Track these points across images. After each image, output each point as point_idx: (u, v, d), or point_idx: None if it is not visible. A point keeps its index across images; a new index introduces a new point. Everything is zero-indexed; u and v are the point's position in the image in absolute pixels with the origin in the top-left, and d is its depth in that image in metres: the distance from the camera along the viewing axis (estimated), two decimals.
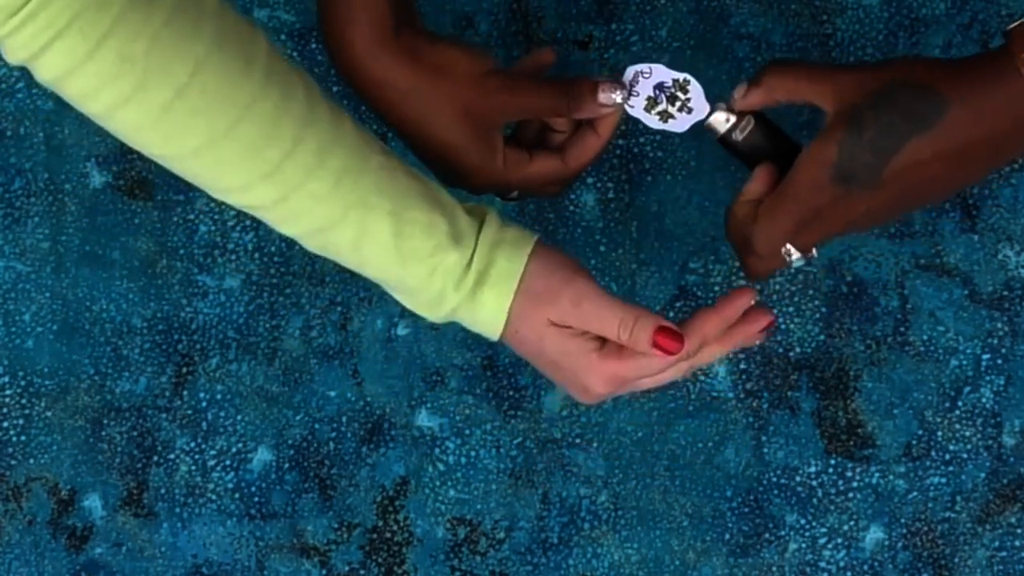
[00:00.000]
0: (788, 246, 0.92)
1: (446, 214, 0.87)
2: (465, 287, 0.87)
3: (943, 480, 1.09)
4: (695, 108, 0.95)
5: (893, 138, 0.87)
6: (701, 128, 0.99)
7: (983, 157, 0.88)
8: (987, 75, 0.86)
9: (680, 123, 0.95)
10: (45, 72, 0.79)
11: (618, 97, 0.93)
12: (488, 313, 0.88)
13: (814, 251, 0.93)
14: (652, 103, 0.94)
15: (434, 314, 0.89)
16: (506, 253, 0.88)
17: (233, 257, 1.11)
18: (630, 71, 0.94)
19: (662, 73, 0.94)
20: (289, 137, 0.83)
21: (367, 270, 0.88)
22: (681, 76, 0.94)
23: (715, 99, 0.95)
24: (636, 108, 0.94)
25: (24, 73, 1.12)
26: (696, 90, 0.94)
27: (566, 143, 0.96)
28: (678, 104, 0.95)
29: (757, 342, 0.93)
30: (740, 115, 0.95)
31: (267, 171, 0.83)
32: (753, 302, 0.90)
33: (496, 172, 0.94)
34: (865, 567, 1.09)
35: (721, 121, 0.95)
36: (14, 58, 0.79)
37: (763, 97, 0.93)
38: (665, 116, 0.95)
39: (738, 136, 0.95)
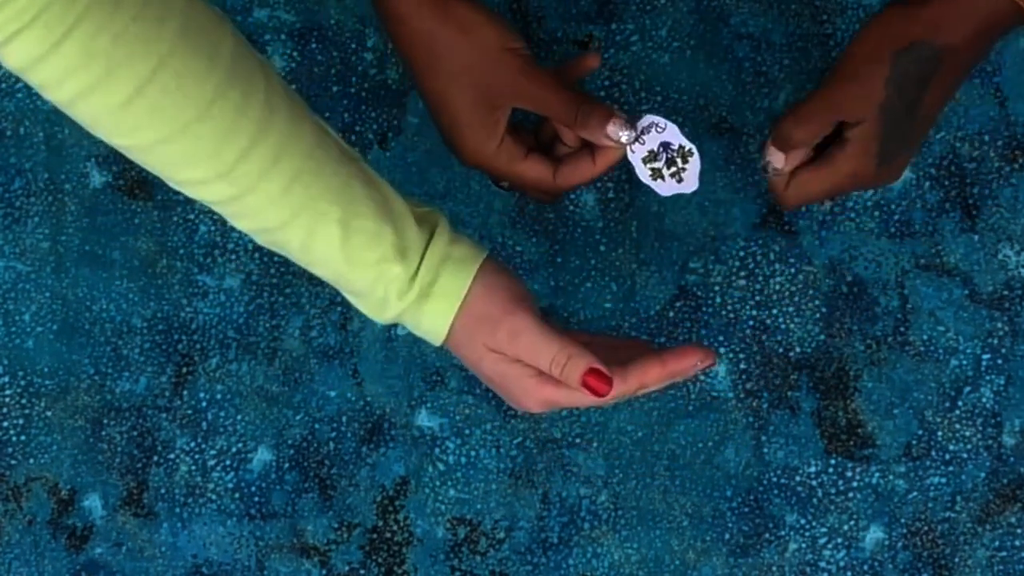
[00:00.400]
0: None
1: (394, 224, 0.87)
2: (408, 298, 0.88)
3: (943, 480, 1.09)
4: (685, 180, 0.96)
5: (915, 104, 0.92)
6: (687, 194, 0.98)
7: (971, 64, 0.94)
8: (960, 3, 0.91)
9: (666, 187, 0.96)
10: (10, 60, 0.80)
11: (624, 137, 0.94)
12: (430, 325, 0.89)
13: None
14: (652, 157, 0.95)
15: (379, 317, 0.90)
16: (452, 271, 0.88)
17: (233, 257, 1.11)
18: (647, 119, 0.94)
19: (673, 135, 0.95)
20: (246, 139, 0.83)
21: (315, 270, 0.89)
22: (688, 145, 0.95)
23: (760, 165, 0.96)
24: (635, 155, 0.95)
25: None
26: (695, 165, 0.95)
27: (563, 159, 0.96)
28: (673, 169, 0.96)
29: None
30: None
31: (222, 171, 0.84)
32: (701, 365, 0.90)
33: (488, 153, 0.94)
34: (865, 567, 1.09)
35: (783, 175, 0.96)
36: None
37: (803, 154, 0.95)
38: (656, 174, 0.96)
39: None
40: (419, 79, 0.94)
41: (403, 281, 0.88)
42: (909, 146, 0.94)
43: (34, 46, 0.78)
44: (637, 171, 0.96)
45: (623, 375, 0.89)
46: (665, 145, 0.95)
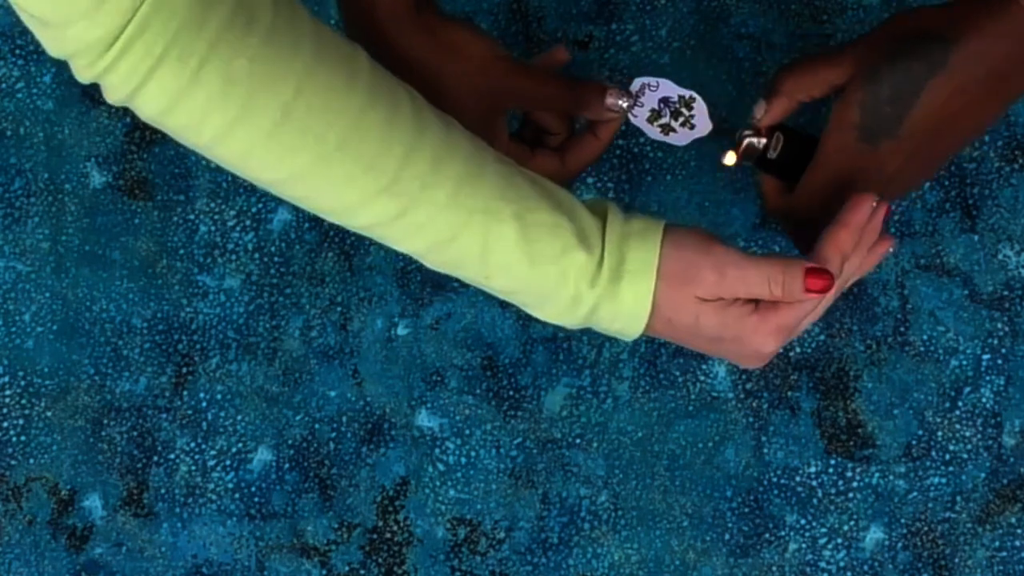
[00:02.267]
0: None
1: (569, 214, 0.85)
2: (600, 284, 0.85)
3: (943, 480, 1.09)
4: (698, 125, 0.96)
5: (910, 86, 0.89)
6: (703, 137, 0.99)
7: (995, 92, 0.90)
8: (986, 11, 0.88)
9: (681, 137, 0.96)
10: (149, 106, 0.78)
11: (624, 103, 0.94)
12: (630, 306, 0.86)
13: None
14: (656, 115, 0.95)
15: (571, 318, 0.87)
16: (637, 244, 0.85)
17: (233, 257, 1.11)
18: (637, 82, 0.95)
19: (668, 88, 0.95)
20: (402, 147, 0.81)
21: (496, 281, 0.86)
22: (687, 93, 0.95)
23: (736, 128, 0.96)
24: (639, 118, 0.95)
25: (24, 73, 1.12)
26: (701, 108, 0.95)
27: (565, 145, 0.97)
28: (681, 119, 0.96)
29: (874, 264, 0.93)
30: (769, 133, 0.95)
31: (384, 184, 0.81)
32: (874, 203, 0.89)
33: None
34: (865, 567, 1.09)
35: (755, 146, 0.96)
36: (115, 96, 0.78)
37: (785, 105, 0.95)
38: (667, 129, 0.96)
39: (773, 155, 0.96)
40: None
41: (591, 269, 0.85)
42: (892, 137, 0.91)
43: (171, 82, 0.76)
44: (647, 132, 0.96)
45: (822, 260, 0.87)
46: (665, 100, 0.95)
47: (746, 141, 0.96)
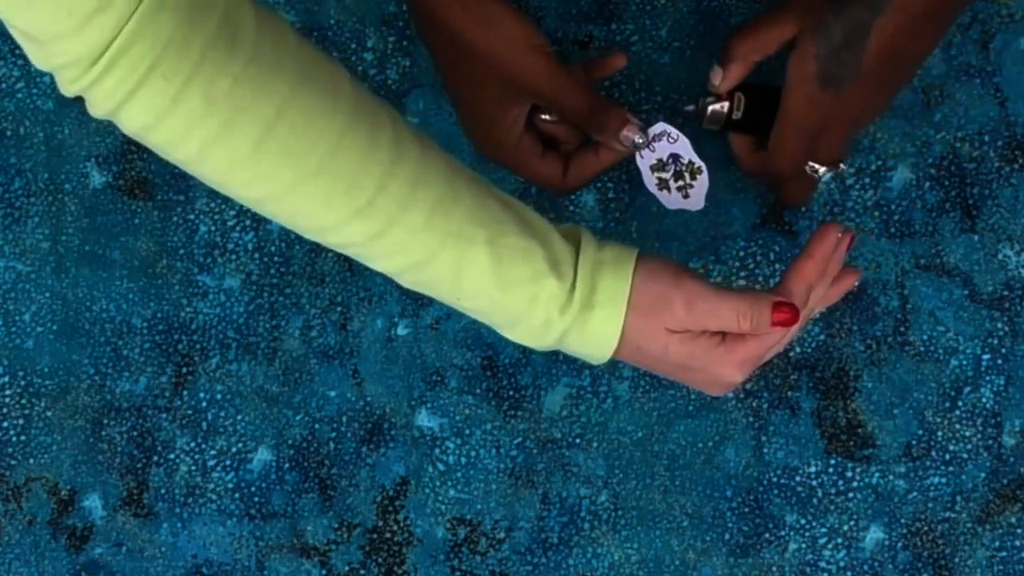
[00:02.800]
0: (811, 163, 0.94)
1: (541, 240, 0.85)
2: (571, 312, 0.85)
3: (943, 480, 1.09)
4: (692, 197, 0.96)
5: (859, 29, 0.92)
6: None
7: (935, 21, 0.93)
8: None
9: (671, 200, 0.97)
10: (132, 121, 0.78)
11: (638, 139, 0.94)
12: (599, 335, 0.86)
13: (842, 165, 0.97)
14: (660, 166, 0.96)
15: (540, 342, 0.87)
16: (609, 274, 0.86)
17: (233, 257, 1.11)
18: (659, 127, 0.95)
19: (684, 148, 0.95)
20: (381, 170, 0.81)
21: (466, 303, 0.86)
22: (698, 163, 0.96)
23: (698, 99, 0.97)
24: (644, 160, 0.96)
25: (24, 73, 1.12)
26: (702, 183, 0.96)
27: (571, 156, 0.97)
28: (680, 183, 0.96)
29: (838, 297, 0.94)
30: (729, 96, 0.97)
31: (361, 206, 0.81)
32: (840, 233, 0.90)
33: (507, 149, 0.95)
34: (865, 567, 1.09)
35: (719, 112, 0.97)
36: (99, 110, 0.78)
37: (741, 69, 0.97)
38: (663, 185, 0.96)
39: (738, 115, 0.97)
40: (443, 71, 0.94)
41: (562, 296, 0.85)
42: (852, 80, 0.93)
43: (154, 100, 0.77)
44: (644, 178, 0.96)
45: (788, 293, 0.88)
46: (675, 157, 0.96)
47: (710, 109, 0.97)
